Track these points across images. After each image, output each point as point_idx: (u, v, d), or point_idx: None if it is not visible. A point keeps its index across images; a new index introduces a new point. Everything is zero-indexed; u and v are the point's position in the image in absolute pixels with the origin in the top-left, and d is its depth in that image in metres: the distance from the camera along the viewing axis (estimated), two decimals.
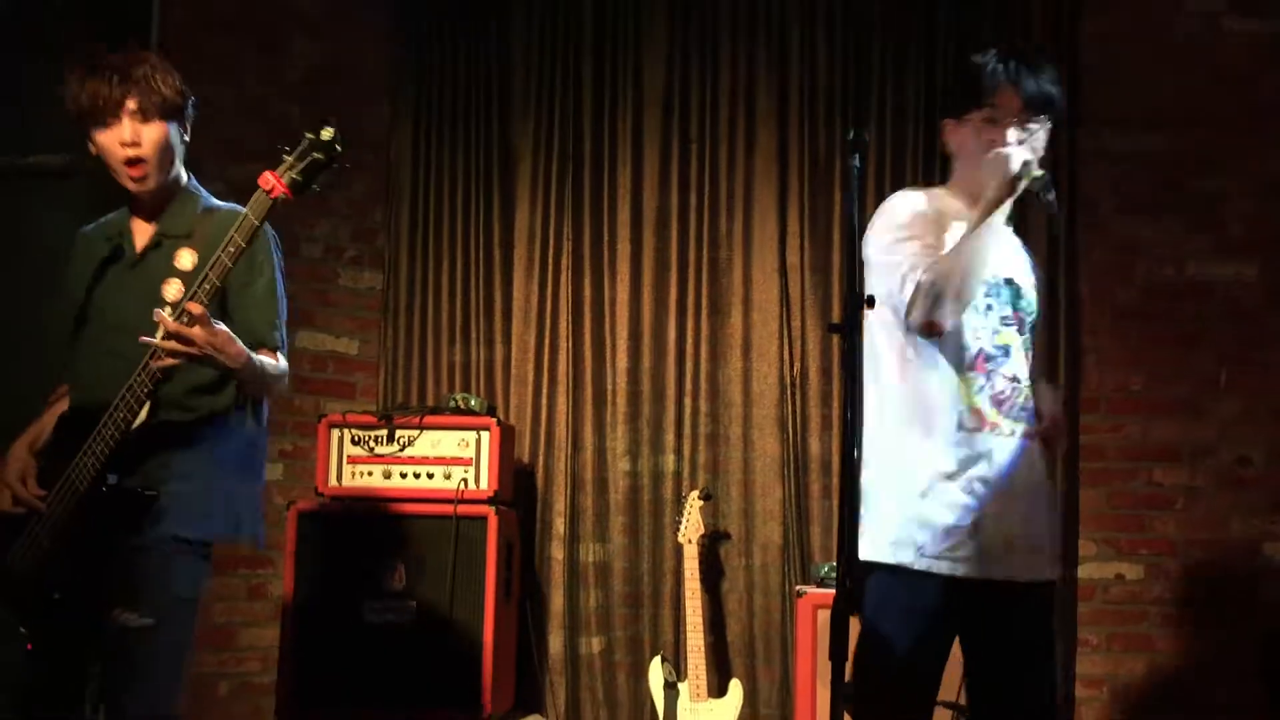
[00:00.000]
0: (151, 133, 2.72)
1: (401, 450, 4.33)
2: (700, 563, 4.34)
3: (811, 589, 4.11)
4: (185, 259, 2.72)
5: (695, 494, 4.43)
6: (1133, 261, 4.57)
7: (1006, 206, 2.51)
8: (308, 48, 4.85)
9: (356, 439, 4.36)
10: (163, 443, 2.64)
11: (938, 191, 2.70)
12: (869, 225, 2.62)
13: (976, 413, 2.56)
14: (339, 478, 4.35)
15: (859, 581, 2.30)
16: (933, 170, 4.63)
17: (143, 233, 2.81)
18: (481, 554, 4.17)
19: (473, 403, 4.48)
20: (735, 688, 4.31)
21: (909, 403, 2.59)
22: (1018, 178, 2.47)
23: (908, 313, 2.50)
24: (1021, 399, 2.60)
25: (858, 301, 2.39)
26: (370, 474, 4.33)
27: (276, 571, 4.44)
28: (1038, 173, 2.47)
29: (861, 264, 2.44)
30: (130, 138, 2.70)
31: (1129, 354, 4.53)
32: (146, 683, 2.61)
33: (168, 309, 2.54)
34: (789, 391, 4.66)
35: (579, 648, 4.67)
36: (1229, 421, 4.44)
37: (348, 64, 4.93)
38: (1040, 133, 2.58)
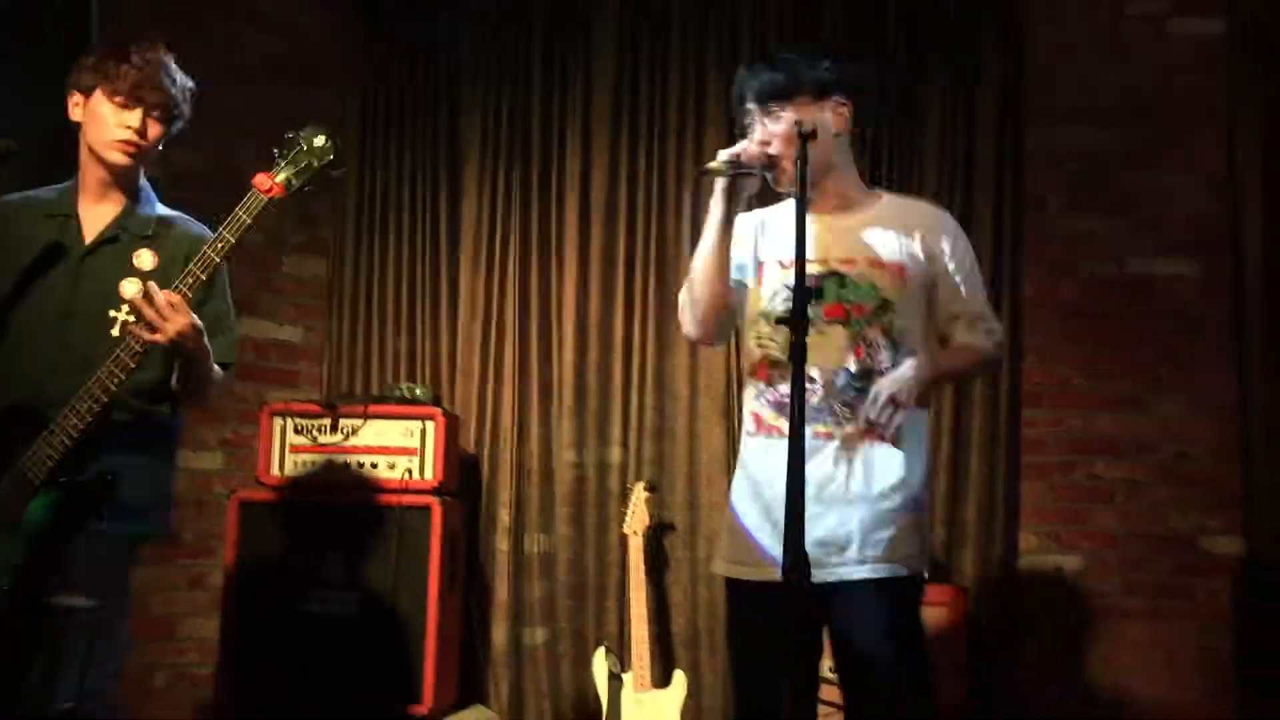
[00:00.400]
0: (154, 130, 2.76)
1: (345, 439, 4.29)
2: (645, 554, 4.33)
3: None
4: (146, 259, 2.73)
5: (641, 486, 4.42)
6: (1076, 259, 4.62)
7: (717, 205, 2.62)
8: (258, 38, 4.79)
9: (299, 428, 4.31)
10: (104, 441, 2.59)
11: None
12: None
13: (755, 418, 2.64)
14: (281, 467, 4.30)
15: (804, 573, 2.28)
16: (879, 164, 4.65)
17: (94, 219, 2.76)
18: (425, 545, 4.14)
19: (418, 392, 4.45)
20: (679, 679, 4.31)
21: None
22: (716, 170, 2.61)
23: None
24: (819, 399, 2.58)
25: (806, 294, 2.40)
26: (313, 463, 4.29)
27: (217, 561, 4.38)
28: (713, 164, 2.60)
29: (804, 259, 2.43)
30: (139, 127, 2.71)
31: (1071, 350, 4.57)
32: (87, 666, 2.57)
33: (124, 309, 2.53)
34: (735, 384, 4.66)
35: (523, 639, 4.65)
36: (1169, 417, 4.50)
37: (298, 55, 4.88)
38: (784, 117, 2.64)
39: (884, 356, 2.62)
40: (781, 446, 2.29)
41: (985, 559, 4.49)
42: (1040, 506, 4.53)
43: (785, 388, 2.56)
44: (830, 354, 2.60)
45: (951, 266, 2.72)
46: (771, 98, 2.66)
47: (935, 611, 4.01)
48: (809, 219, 2.44)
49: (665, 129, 4.85)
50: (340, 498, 4.23)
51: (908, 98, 4.71)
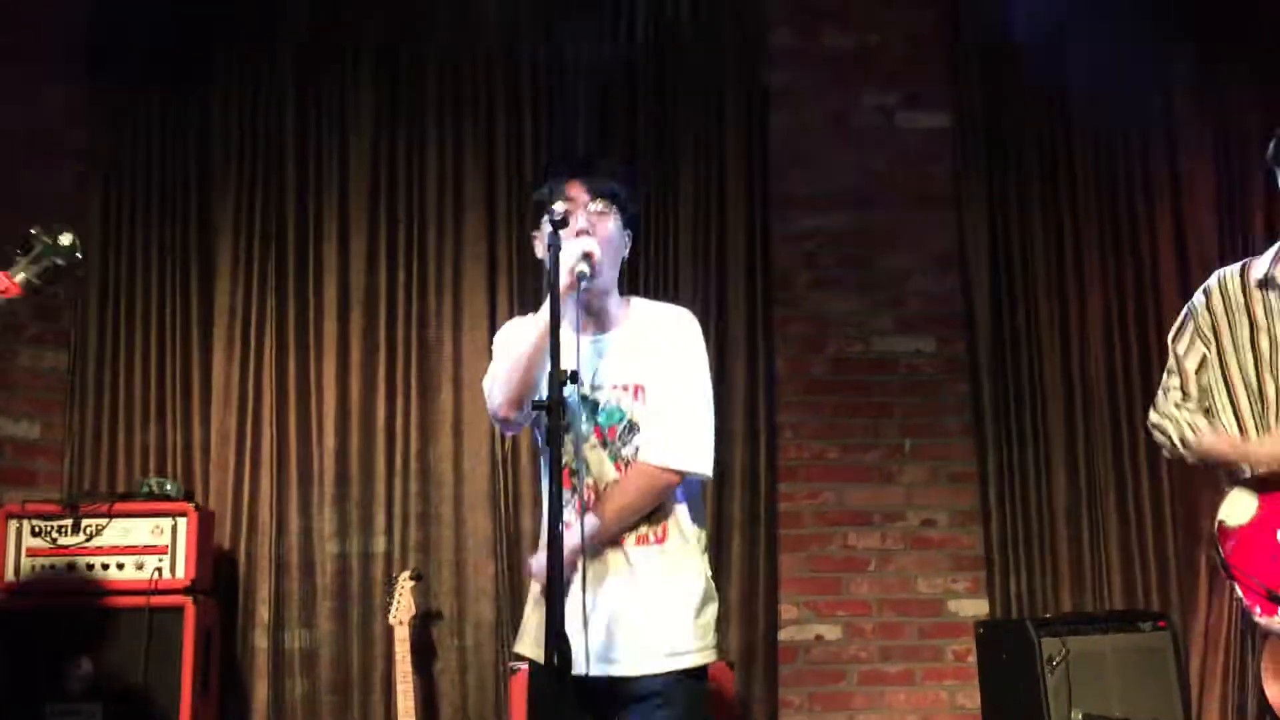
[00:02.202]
0: None
1: (89, 540, 4.09)
2: (412, 644, 4.26)
3: (524, 665, 4.10)
4: None
5: (406, 574, 4.36)
6: (825, 337, 4.84)
7: (562, 302, 2.57)
8: None
9: (37, 530, 4.09)
10: None
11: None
12: None
13: (565, 523, 2.64)
14: (16, 572, 4.06)
15: (566, 653, 2.32)
16: (635, 249, 4.76)
17: None
18: (178, 647, 3.99)
19: (168, 487, 4.29)
20: None
21: None
22: (573, 269, 2.61)
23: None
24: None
25: (561, 378, 2.46)
26: (53, 567, 4.07)
27: None
28: (583, 268, 2.62)
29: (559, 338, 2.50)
30: None
31: (824, 425, 4.77)
32: None
33: None
34: (500, 469, 4.67)
35: None
36: (914, 486, 4.74)
37: (32, 128, 4.68)
38: (610, 221, 2.77)
39: None
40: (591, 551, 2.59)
41: (750, 633, 4.60)
42: (799, 577, 4.68)
43: (583, 493, 2.70)
44: (601, 470, 2.76)
45: (661, 377, 2.78)
46: (605, 197, 2.77)
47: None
48: (583, 339, 2.67)
49: (424, 213, 4.86)
50: (83, 602, 4.01)
51: (661, 178, 4.88)
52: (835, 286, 4.86)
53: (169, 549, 4.10)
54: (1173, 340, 3.16)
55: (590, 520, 2.66)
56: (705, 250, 4.85)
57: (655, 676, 2.68)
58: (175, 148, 4.87)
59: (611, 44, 4.95)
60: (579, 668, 2.43)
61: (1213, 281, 3.12)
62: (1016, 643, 4.02)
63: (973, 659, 4.39)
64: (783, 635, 4.64)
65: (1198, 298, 3.13)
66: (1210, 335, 3.05)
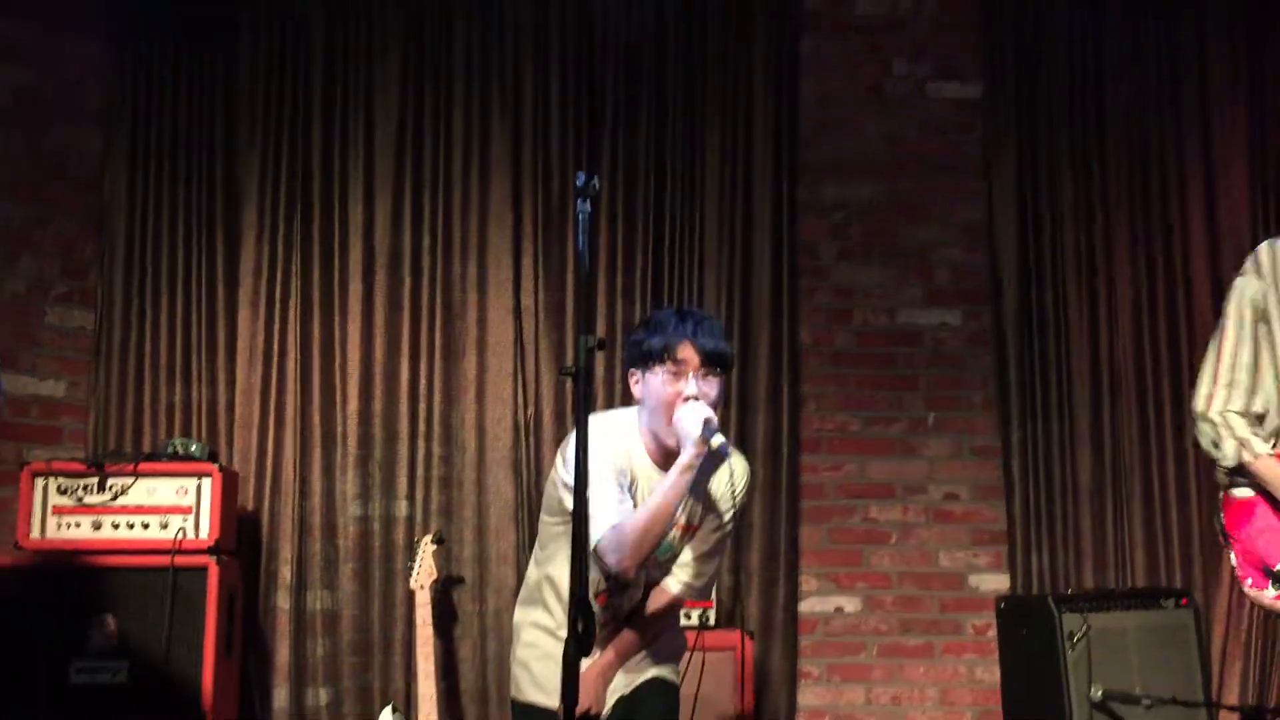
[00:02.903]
0: None
1: (114, 499, 4.11)
2: (432, 609, 4.27)
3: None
4: None
5: (428, 538, 4.36)
6: (850, 308, 4.82)
7: (688, 477, 2.78)
8: (13, 73, 4.57)
9: (63, 488, 4.11)
10: None
11: (624, 426, 2.95)
12: (567, 462, 2.82)
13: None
14: (43, 530, 4.09)
15: (590, 624, 2.34)
16: (662, 217, 4.77)
17: None
18: (201, 607, 4.01)
19: (193, 448, 4.30)
20: None
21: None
22: (705, 438, 2.73)
23: (599, 553, 2.79)
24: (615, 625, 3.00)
25: (589, 345, 2.45)
26: (78, 525, 4.09)
27: None
28: (717, 440, 2.72)
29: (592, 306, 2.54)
30: None
31: (847, 396, 4.76)
32: None
33: None
34: (523, 434, 4.67)
35: (305, 700, 4.53)
36: (937, 460, 4.72)
37: (57, 91, 4.68)
38: (718, 384, 2.86)
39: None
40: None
41: (769, 603, 4.61)
42: (820, 549, 4.68)
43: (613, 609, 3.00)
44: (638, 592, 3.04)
45: (707, 532, 3.03)
46: (718, 364, 2.86)
47: (723, 656, 4.10)
48: (654, 474, 2.91)
49: (450, 177, 4.84)
50: (108, 561, 4.03)
51: (688, 144, 4.85)
52: (862, 257, 4.83)
53: (193, 509, 4.12)
54: (1229, 324, 2.95)
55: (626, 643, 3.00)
56: (731, 218, 4.83)
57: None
58: (201, 107, 4.85)
59: (641, 6, 4.90)
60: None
61: (1263, 252, 2.93)
62: (1037, 618, 4.00)
63: (993, 634, 4.38)
64: (803, 606, 4.64)
65: (1247, 272, 2.93)
66: (1264, 317, 2.91)
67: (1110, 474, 4.74)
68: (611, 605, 2.97)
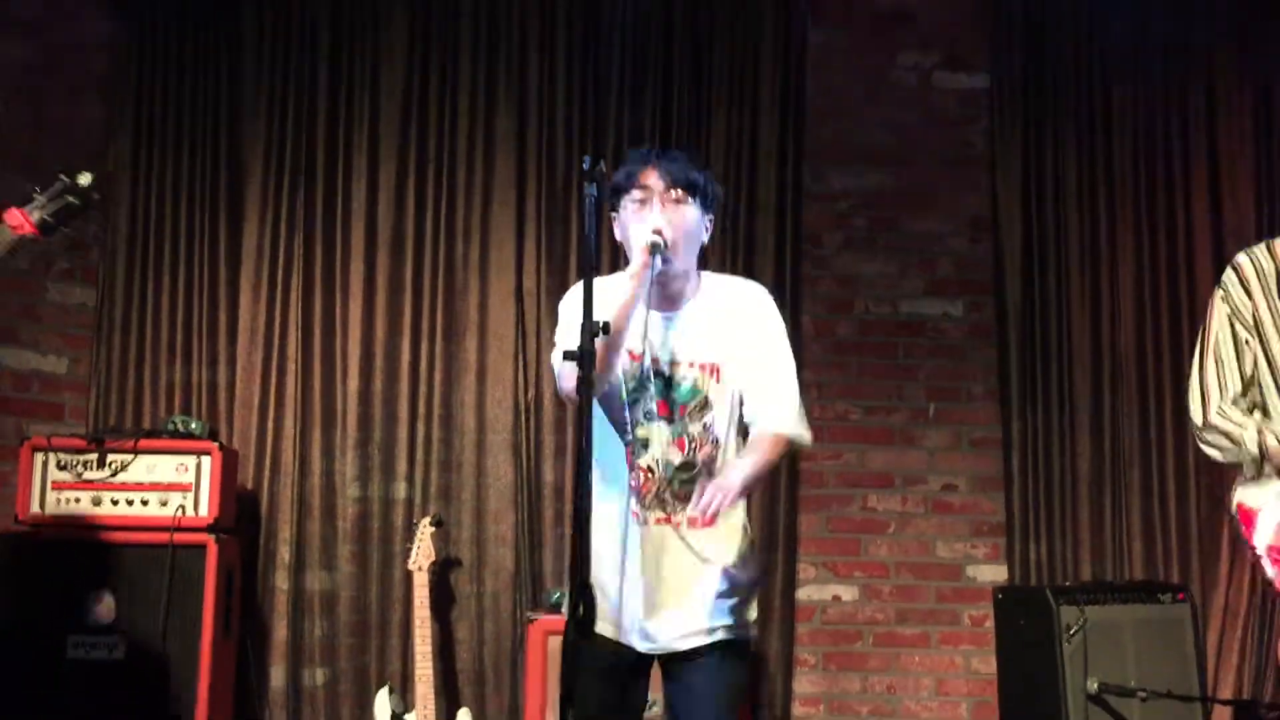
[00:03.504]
0: None
1: (114, 475, 4.11)
2: (430, 590, 4.29)
3: (542, 615, 4.13)
4: None
5: (426, 520, 4.37)
6: (852, 297, 4.82)
7: (640, 280, 2.64)
8: (18, 45, 4.57)
9: (63, 463, 4.11)
10: None
11: (619, 274, 2.79)
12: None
13: (635, 491, 2.75)
14: (42, 504, 4.10)
15: (590, 608, 2.33)
16: None
17: None
18: (199, 585, 4.02)
19: (193, 425, 4.31)
20: (464, 716, 4.27)
21: None
22: (651, 248, 2.66)
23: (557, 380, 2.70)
24: (659, 489, 2.75)
25: (593, 329, 2.45)
26: (78, 500, 4.10)
27: None
28: (655, 239, 2.66)
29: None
30: None
31: (848, 385, 4.76)
32: None
33: None
34: (523, 417, 4.67)
35: (302, 680, 4.54)
36: (936, 450, 4.73)
37: (61, 65, 4.67)
38: (687, 209, 2.76)
39: (709, 449, 2.78)
40: (636, 531, 2.70)
41: (766, 590, 4.61)
42: (818, 537, 4.69)
43: (635, 476, 2.74)
44: (658, 449, 2.76)
45: (756, 354, 2.81)
46: (683, 186, 2.76)
47: None
48: (656, 315, 2.75)
49: (454, 157, 4.83)
50: (107, 536, 4.04)
51: (694, 128, 4.85)
52: (866, 247, 4.84)
53: (193, 487, 4.13)
54: (1213, 334, 2.89)
55: (745, 463, 2.70)
56: (735, 204, 4.82)
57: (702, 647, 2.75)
58: (206, 82, 4.84)
59: None
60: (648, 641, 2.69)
61: (1243, 261, 2.88)
62: (1034, 610, 4.02)
63: (990, 625, 4.40)
64: (800, 594, 4.66)
65: (1232, 285, 2.88)
66: (1252, 323, 2.85)
67: (1110, 466, 4.75)
68: (632, 464, 2.74)
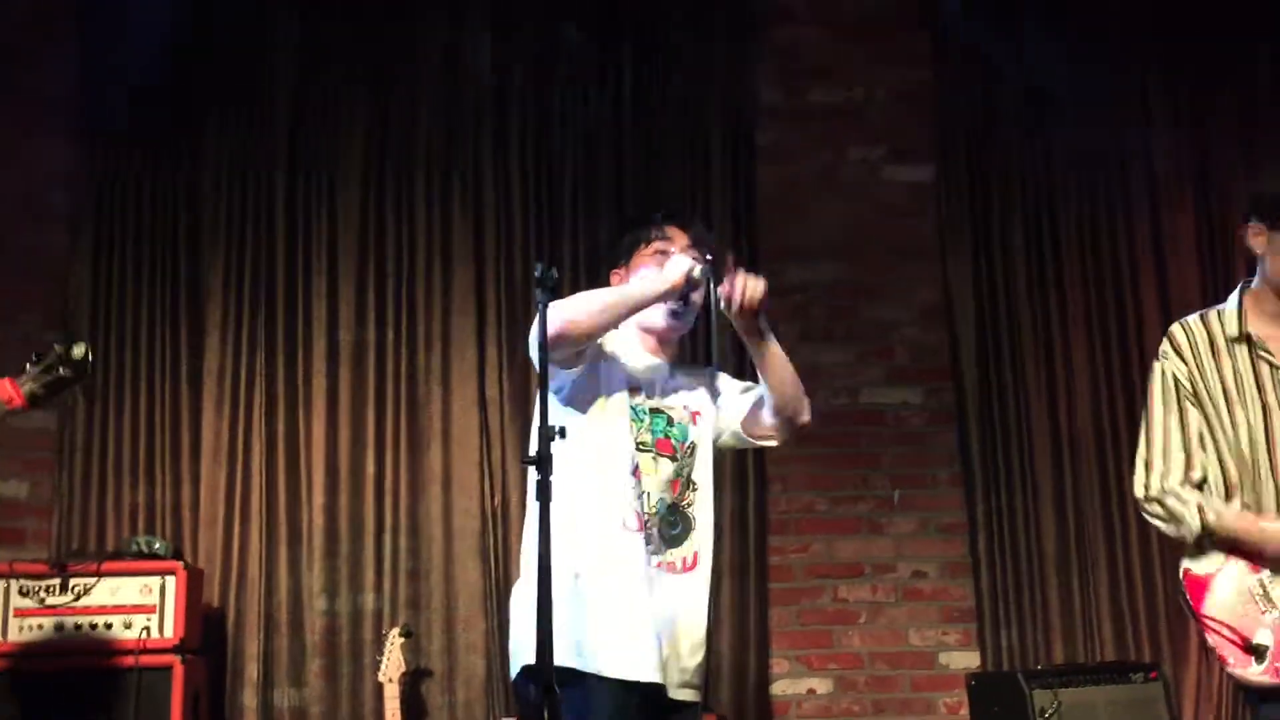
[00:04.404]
0: None
1: (76, 600, 4.10)
2: (402, 703, 4.26)
3: None
4: None
5: (396, 631, 4.36)
6: (814, 389, 4.86)
7: (657, 287, 2.77)
8: None
9: (25, 590, 4.09)
10: None
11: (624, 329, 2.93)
12: None
13: (639, 518, 2.79)
14: (4, 633, 4.07)
15: (555, 702, 2.34)
16: None
17: None
18: (166, 707, 3.99)
19: (157, 546, 4.31)
20: None
21: None
22: (687, 270, 2.77)
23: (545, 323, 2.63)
24: (648, 524, 2.78)
25: (549, 434, 2.50)
26: (40, 627, 4.08)
27: None
28: (699, 269, 2.77)
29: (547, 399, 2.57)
30: None
31: (813, 477, 4.81)
32: None
33: None
34: (490, 523, 4.70)
35: None
36: (904, 537, 4.77)
37: (21, 187, 4.75)
38: (698, 260, 2.85)
39: (690, 496, 2.86)
40: (637, 559, 2.71)
41: (740, 686, 4.62)
42: (790, 631, 4.70)
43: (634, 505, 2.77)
44: (655, 483, 2.81)
45: (733, 385, 3.05)
46: (706, 246, 2.92)
47: None
48: (652, 358, 2.93)
49: (414, 268, 4.92)
50: (71, 663, 4.02)
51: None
52: (824, 338, 4.92)
53: (157, 608, 4.11)
54: (1155, 405, 2.94)
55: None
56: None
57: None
58: (165, 207, 4.93)
59: (598, 101, 5.03)
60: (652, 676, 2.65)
61: (1176, 331, 2.94)
62: (1008, 695, 4.03)
63: (965, 712, 4.39)
64: (775, 689, 4.66)
65: (1168, 356, 2.93)
66: (1190, 390, 2.90)
67: (1075, 545, 4.81)
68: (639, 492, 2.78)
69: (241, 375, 4.81)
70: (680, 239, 2.92)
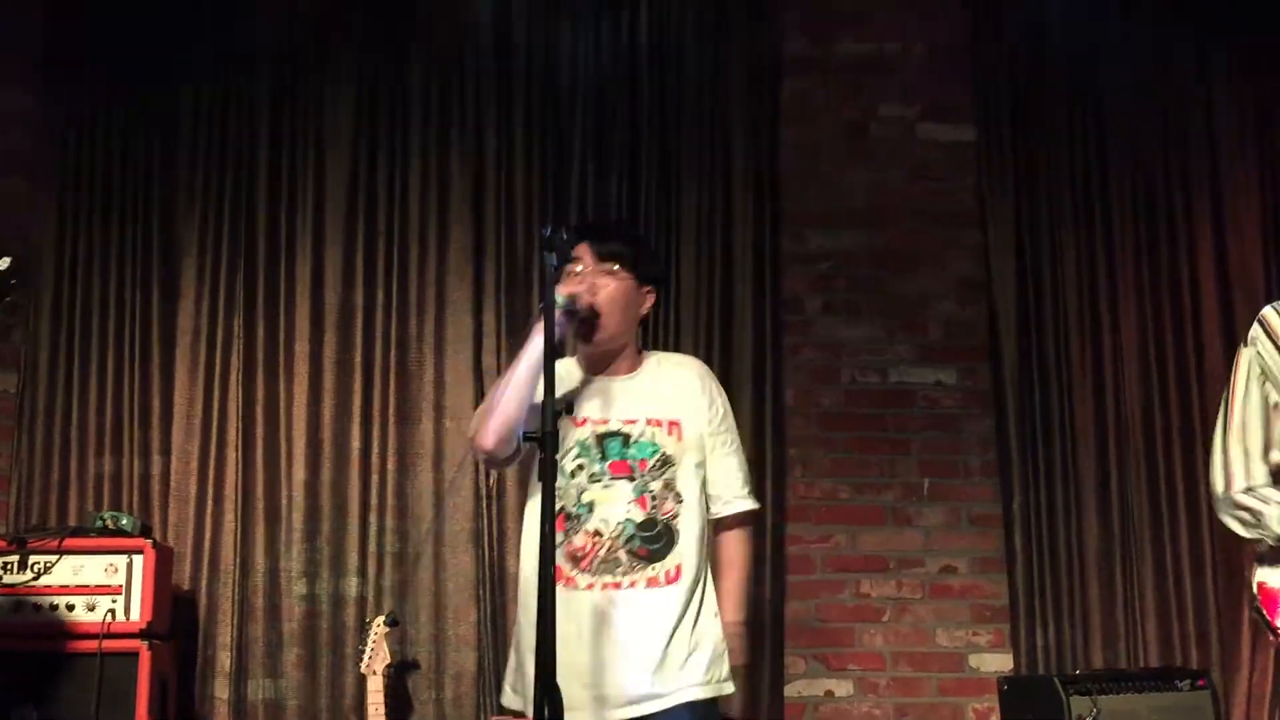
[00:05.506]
0: None
1: (36, 579, 4.09)
2: (386, 696, 4.25)
3: (508, 719, 4.10)
4: None
5: (380, 620, 4.35)
6: (837, 366, 4.86)
7: (541, 335, 2.74)
8: None
9: None
10: None
11: (566, 363, 3.11)
12: None
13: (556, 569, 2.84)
14: None
15: (557, 708, 2.35)
16: None
17: None
18: (131, 696, 3.99)
19: (124, 521, 4.29)
20: None
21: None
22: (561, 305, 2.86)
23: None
24: (607, 551, 2.94)
25: (555, 408, 2.48)
26: None
27: None
28: (563, 297, 2.86)
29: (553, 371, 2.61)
30: None
31: (835, 462, 4.79)
32: None
33: None
34: (484, 505, 4.68)
35: None
36: (933, 530, 4.75)
37: None
38: (615, 279, 3.02)
39: (671, 507, 2.99)
40: (578, 597, 2.86)
41: (753, 687, 4.60)
42: (808, 627, 4.68)
43: (578, 539, 2.92)
44: (612, 510, 2.96)
45: (710, 428, 3.10)
46: (613, 258, 3.04)
47: None
48: (603, 380, 3.03)
49: (406, 228, 4.88)
50: (29, 645, 4.01)
51: (663, 194, 4.92)
52: (849, 312, 4.89)
53: (123, 589, 4.10)
54: (1238, 392, 2.90)
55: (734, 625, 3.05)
56: (710, 272, 4.88)
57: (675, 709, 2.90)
58: (138, 157, 4.90)
59: (612, 52, 4.99)
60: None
61: (1271, 315, 2.90)
62: (1043, 701, 4.02)
63: (995, 718, 4.39)
64: (789, 690, 4.64)
65: (1258, 340, 2.89)
66: (1274, 377, 2.86)
67: (1119, 541, 4.78)
68: (569, 530, 2.93)
69: (218, 338, 4.78)
70: (586, 257, 3.02)
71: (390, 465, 4.73)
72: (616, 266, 3.02)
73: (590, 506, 2.94)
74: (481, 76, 4.97)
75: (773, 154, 4.98)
